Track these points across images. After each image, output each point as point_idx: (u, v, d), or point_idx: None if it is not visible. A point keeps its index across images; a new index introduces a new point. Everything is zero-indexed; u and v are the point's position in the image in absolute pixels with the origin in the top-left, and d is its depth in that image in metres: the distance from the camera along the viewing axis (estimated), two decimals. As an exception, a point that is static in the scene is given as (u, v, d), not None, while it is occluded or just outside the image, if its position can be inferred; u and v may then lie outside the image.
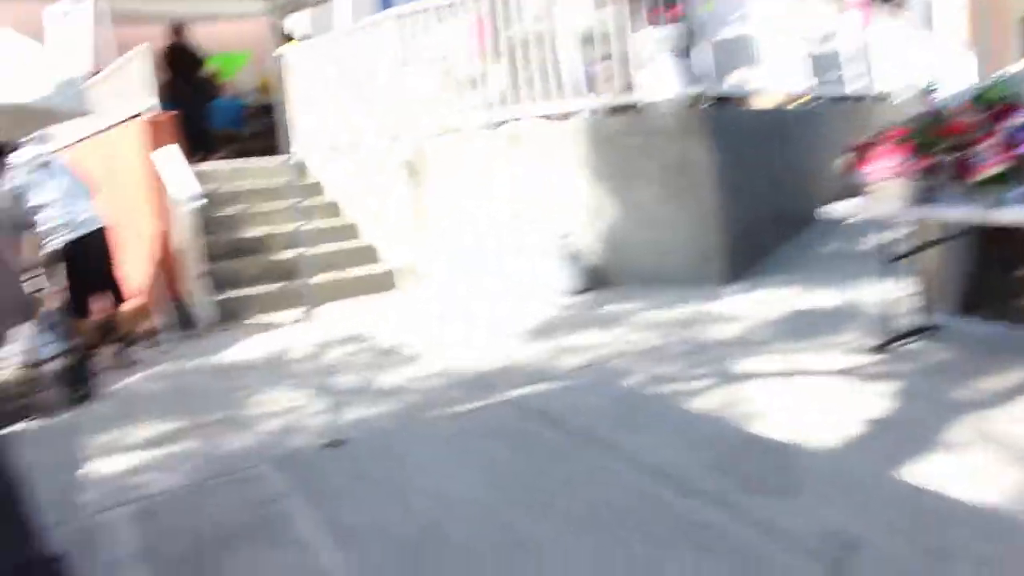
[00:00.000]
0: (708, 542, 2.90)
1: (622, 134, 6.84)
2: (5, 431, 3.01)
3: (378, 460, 4.00)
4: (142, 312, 7.31)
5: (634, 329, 5.72)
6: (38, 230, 6.29)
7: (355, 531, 3.29)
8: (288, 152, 10.06)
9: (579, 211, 7.09)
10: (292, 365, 6.01)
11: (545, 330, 6.00)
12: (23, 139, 6.51)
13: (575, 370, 4.99)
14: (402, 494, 3.59)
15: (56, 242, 6.29)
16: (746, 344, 5.03)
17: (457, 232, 7.93)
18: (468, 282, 7.73)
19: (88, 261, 6.38)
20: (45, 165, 6.42)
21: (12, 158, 6.29)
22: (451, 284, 7.89)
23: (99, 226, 6.53)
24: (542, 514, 3.25)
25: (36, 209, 6.25)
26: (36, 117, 6.32)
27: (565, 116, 7.21)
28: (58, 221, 6.29)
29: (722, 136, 6.58)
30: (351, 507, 3.52)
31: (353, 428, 4.40)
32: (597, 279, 7.01)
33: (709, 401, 4.25)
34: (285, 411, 4.92)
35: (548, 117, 7.33)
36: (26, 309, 2.92)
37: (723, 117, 6.77)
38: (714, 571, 2.73)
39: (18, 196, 6.29)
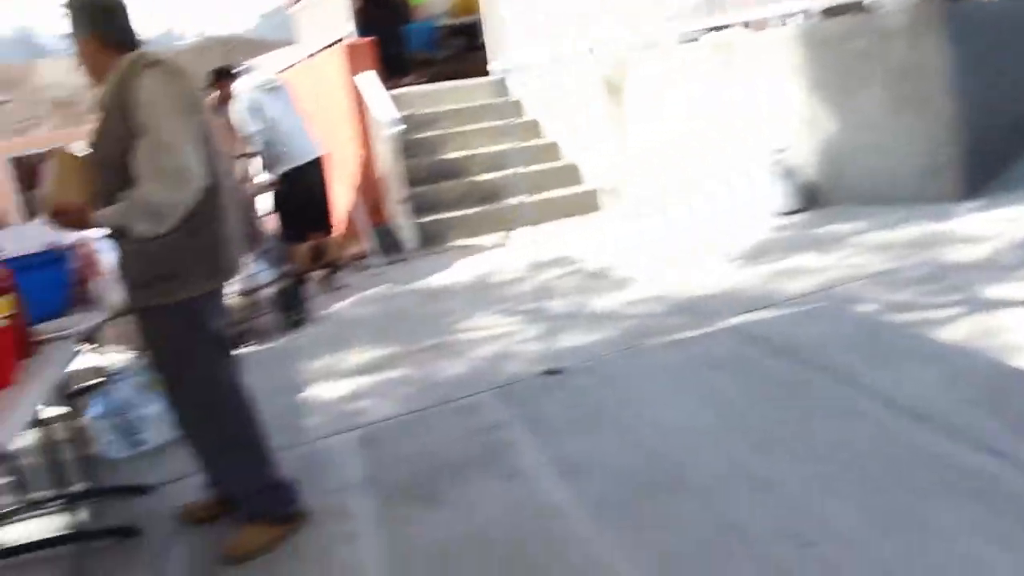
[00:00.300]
0: (976, 489, 2.59)
1: (842, 37, 6.29)
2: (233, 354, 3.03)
3: (597, 390, 3.85)
4: (349, 237, 7.43)
5: (859, 251, 5.30)
6: (264, 155, 6.37)
7: (578, 463, 3.17)
8: (486, 73, 10.02)
9: (792, 124, 6.63)
10: (500, 289, 5.94)
11: (761, 252, 5.66)
12: (235, 69, 6.62)
13: (799, 296, 4.65)
14: (624, 426, 3.44)
15: (279, 168, 6.35)
16: (994, 268, 4.54)
17: (661, 149, 7.61)
18: (674, 202, 7.43)
19: (306, 190, 6.43)
20: (274, 90, 6.45)
21: (239, 83, 6.35)
22: (656, 204, 7.61)
23: (318, 155, 6.57)
24: (775, 450, 3.01)
25: (264, 134, 6.32)
26: (244, 47, 6.43)
27: (776, 21, 6.72)
28: (284, 148, 6.34)
29: (959, 34, 5.93)
30: (573, 438, 3.40)
31: (569, 355, 4.27)
32: (812, 197, 6.57)
33: (956, 331, 3.84)
34: (497, 337, 4.85)
35: (756, 23, 6.86)
36: (254, 237, 2.92)
37: (960, 12, 6.09)
38: (991, 525, 2.42)
39: (249, 119, 6.35)
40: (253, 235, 2.95)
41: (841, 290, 4.62)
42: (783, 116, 6.65)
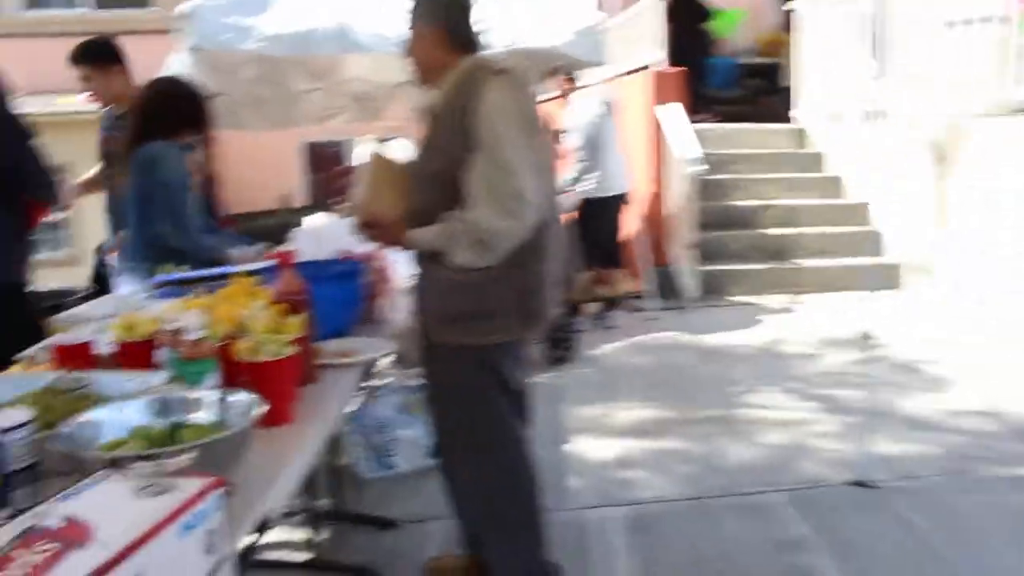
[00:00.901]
0: None
1: None
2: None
3: (922, 520, 3.18)
4: (627, 274, 6.99)
5: None
6: (578, 176, 5.98)
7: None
8: (787, 118, 9.36)
9: None
10: (789, 363, 5.30)
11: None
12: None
13: None
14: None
15: (589, 194, 6.00)
16: None
17: (991, 230, 6.66)
18: (1001, 293, 6.46)
19: (608, 221, 6.05)
20: (608, 110, 6.12)
21: (577, 96, 6.03)
22: (976, 291, 6.66)
23: (627, 188, 6.17)
24: None
25: (590, 155, 5.96)
26: (547, 62, 6.13)
27: None
28: (601, 173, 5.94)
29: None
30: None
31: (880, 467, 3.62)
32: None
33: None
34: (789, 423, 4.25)
35: None
36: (569, 282, 2.54)
37: None
38: None
39: (583, 136, 5.99)
40: (568, 279, 2.54)
41: None
42: None
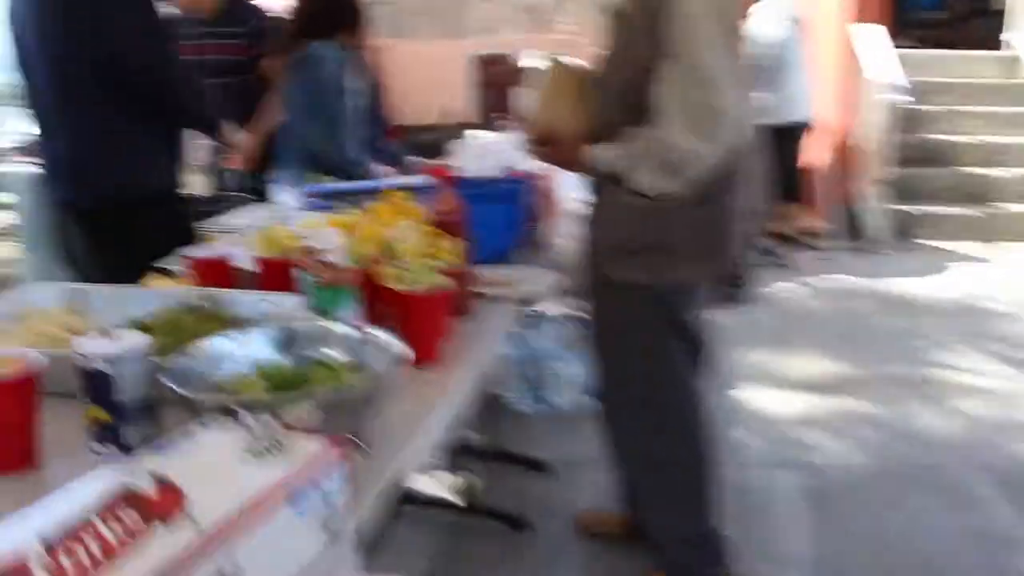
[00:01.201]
0: None
1: None
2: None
3: None
4: (806, 209, 6.48)
5: None
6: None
7: None
8: (998, 44, 8.46)
9: None
10: (988, 320, 4.76)
11: None
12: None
13: None
14: None
15: (765, 119, 5.40)
16: None
17: None
18: None
19: (789, 152, 5.57)
20: (794, 27, 5.62)
21: (761, 9, 5.50)
22: None
23: (811, 117, 5.66)
24: None
25: (769, 75, 5.41)
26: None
27: None
28: (781, 97, 5.44)
29: None
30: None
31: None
32: None
33: None
34: (993, 392, 3.78)
35: None
36: (763, 217, 2.20)
37: None
38: None
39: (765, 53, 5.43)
40: (763, 213, 2.21)
41: None
42: None
